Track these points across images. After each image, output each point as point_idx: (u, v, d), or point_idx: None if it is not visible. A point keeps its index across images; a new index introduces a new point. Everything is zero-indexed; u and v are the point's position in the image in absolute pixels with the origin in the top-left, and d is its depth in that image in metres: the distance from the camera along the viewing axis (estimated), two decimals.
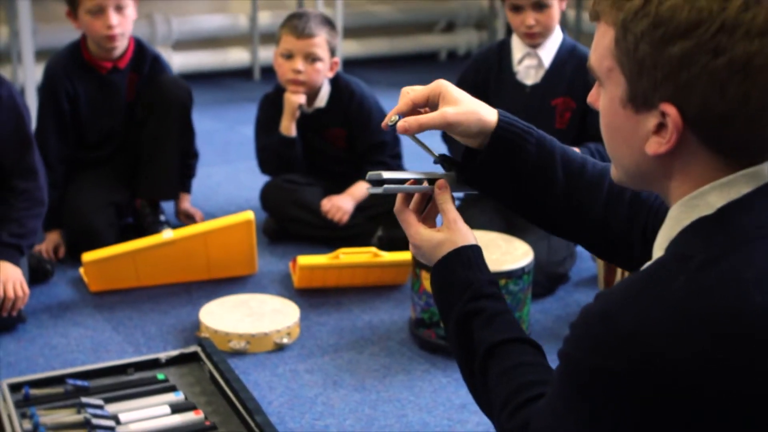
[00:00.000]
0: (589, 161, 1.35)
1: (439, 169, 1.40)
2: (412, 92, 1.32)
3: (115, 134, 3.19)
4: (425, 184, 1.36)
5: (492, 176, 1.33)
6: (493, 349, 1.23)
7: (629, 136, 1.07)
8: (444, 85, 1.30)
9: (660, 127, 1.03)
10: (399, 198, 1.36)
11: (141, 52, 3.15)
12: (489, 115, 1.30)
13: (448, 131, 1.30)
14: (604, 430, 1.00)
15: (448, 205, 1.32)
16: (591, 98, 1.15)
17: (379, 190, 1.32)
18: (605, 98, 1.10)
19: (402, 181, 1.35)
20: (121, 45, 3.05)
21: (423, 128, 1.29)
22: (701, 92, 0.98)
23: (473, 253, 1.30)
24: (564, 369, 1.04)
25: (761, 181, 1.03)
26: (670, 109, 1.00)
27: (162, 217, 3.23)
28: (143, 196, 3.22)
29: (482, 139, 1.30)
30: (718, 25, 0.96)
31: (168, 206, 3.36)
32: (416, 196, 1.37)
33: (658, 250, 1.08)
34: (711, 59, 0.97)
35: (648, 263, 1.05)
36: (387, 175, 1.32)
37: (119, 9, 2.97)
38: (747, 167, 1.03)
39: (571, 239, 1.39)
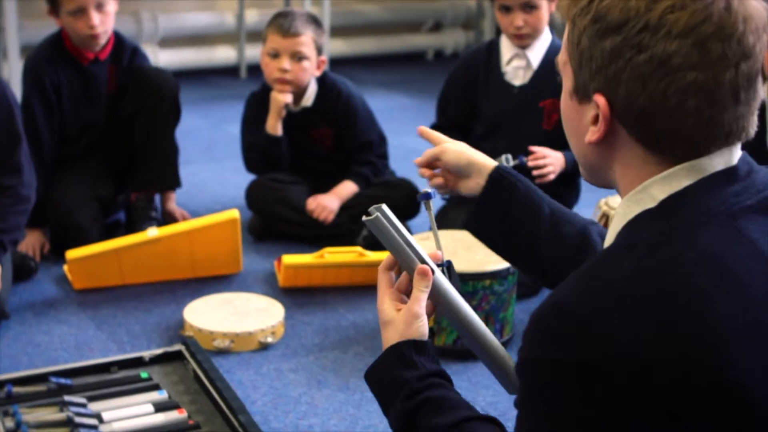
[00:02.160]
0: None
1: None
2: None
3: (94, 127, 3.17)
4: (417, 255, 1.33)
5: (490, 211, 1.46)
6: (453, 428, 1.22)
7: (576, 126, 1.14)
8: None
9: (597, 119, 1.09)
10: (387, 258, 1.37)
11: (120, 44, 3.16)
12: (483, 159, 1.49)
13: (441, 157, 1.51)
14: (570, 426, 1.00)
15: (420, 293, 1.32)
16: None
17: (372, 216, 1.30)
18: (563, 91, 1.17)
19: (398, 231, 1.32)
20: (103, 41, 3.07)
21: (425, 135, 1.55)
22: (626, 85, 1.04)
23: (413, 348, 1.29)
24: (524, 379, 1.04)
25: (701, 174, 1.06)
26: (600, 99, 1.07)
27: (153, 213, 3.22)
28: (144, 189, 3.21)
29: (476, 183, 1.50)
30: (643, 24, 1.03)
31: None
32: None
33: (607, 245, 1.11)
34: (635, 54, 1.03)
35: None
36: (389, 213, 1.32)
37: (99, 7, 2.97)
38: (684, 162, 1.06)
39: (551, 280, 1.43)
